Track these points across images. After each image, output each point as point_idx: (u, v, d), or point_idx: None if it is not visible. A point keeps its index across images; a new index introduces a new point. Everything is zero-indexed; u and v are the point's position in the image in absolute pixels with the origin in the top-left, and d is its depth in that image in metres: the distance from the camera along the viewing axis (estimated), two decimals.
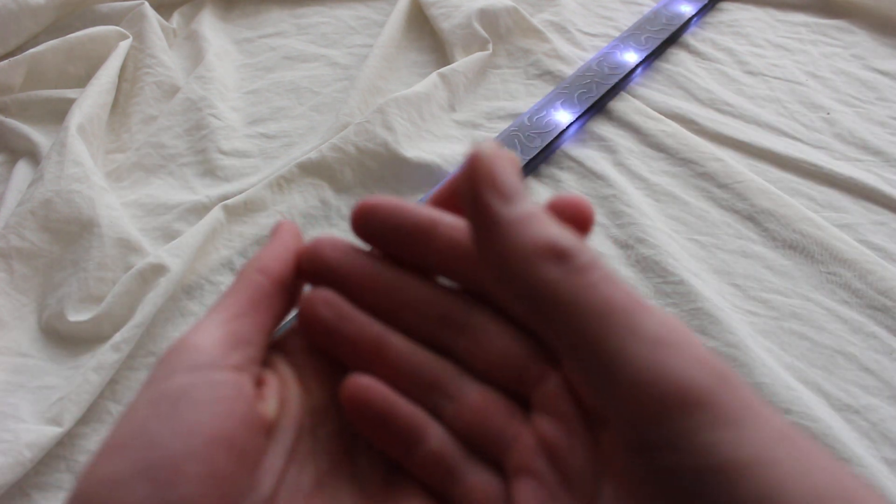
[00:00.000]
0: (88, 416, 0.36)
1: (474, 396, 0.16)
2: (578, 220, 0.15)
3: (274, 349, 0.18)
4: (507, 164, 0.14)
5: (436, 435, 0.16)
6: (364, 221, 0.17)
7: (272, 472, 0.15)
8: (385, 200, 0.17)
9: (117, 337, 0.38)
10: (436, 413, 0.17)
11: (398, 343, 0.17)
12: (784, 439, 0.12)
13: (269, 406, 0.16)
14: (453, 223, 0.17)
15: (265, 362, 0.17)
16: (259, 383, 0.16)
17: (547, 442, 0.15)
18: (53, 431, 0.35)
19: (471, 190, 0.14)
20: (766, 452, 0.12)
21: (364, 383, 0.16)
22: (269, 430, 0.16)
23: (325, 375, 0.17)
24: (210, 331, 0.16)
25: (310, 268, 0.18)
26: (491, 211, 0.13)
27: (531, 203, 0.14)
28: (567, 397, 0.15)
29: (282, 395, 0.17)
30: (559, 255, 0.13)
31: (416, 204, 0.17)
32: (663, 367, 0.12)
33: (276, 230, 0.18)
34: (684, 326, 0.13)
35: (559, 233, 0.13)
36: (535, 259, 0.13)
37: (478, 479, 0.16)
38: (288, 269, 0.18)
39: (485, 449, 0.16)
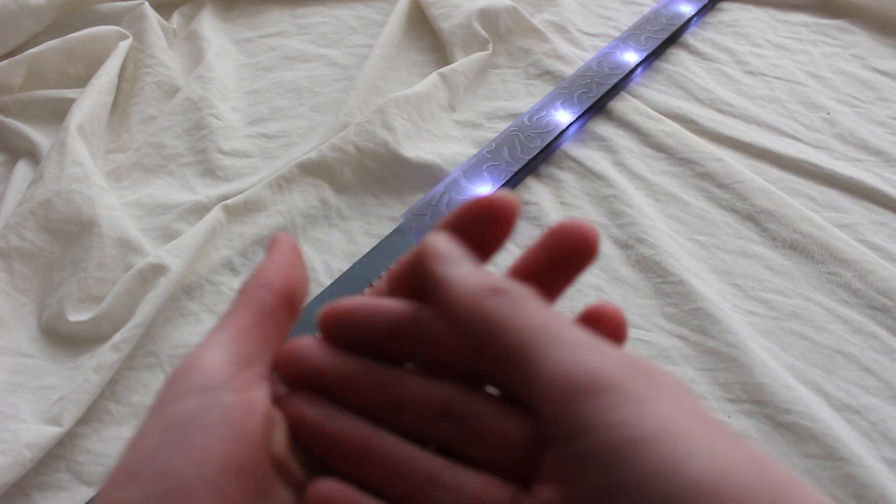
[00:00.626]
0: (88, 416, 0.36)
1: (474, 485, 0.16)
2: (614, 327, 0.17)
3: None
4: (450, 244, 0.16)
5: None
6: (333, 330, 0.17)
7: (282, 501, 0.15)
8: (352, 305, 0.17)
9: (117, 337, 0.38)
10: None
11: (388, 442, 0.16)
12: (693, 416, 0.13)
13: (282, 430, 0.16)
14: (423, 313, 0.17)
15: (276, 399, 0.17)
16: (270, 404, 0.16)
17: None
18: (53, 431, 0.35)
19: (422, 266, 0.16)
20: (671, 426, 0.12)
21: (328, 489, 0.16)
22: (279, 461, 0.16)
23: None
24: (217, 350, 0.16)
25: (291, 372, 0.17)
26: (437, 275, 0.15)
27: (469, 265, 0.16)
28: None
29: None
30: (497, 291, 0.15)
31: (382, 301, 0.17)
32: (576, 362, 0.13)
33: (274, 243, 0.18)
34: (604, 340, 0.14)
35: (495, 277, 0.15)
36: (478, 297, 0.15)
37: None
38: (290, 282, 0.17)
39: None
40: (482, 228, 0.17)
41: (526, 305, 0.14)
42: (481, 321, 0.15)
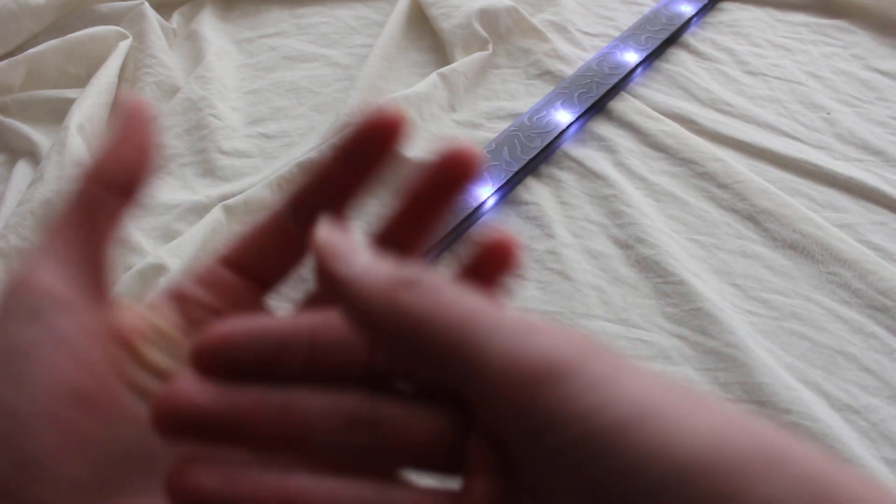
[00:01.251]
0: None
1: (410, 499, 0.14)
2: (501, 255, 0.15)
3: (165, 295, 0.16)
4: (343, 236, 0.14)
5: None
6: (210, 365, 0.14)
7: (137, 424, 0.14)
8: (226, 332, 0.14)
9: None
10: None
11: (303, 482, 0.14)
12: (665, 389, 0.12)
13: (130, 347, 0.15)
14: (308, 320, 0.15)
15: (148, 304, 0.16)
16: (115, 317, 0.15)
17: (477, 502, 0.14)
18: None
19: (318, 268, 0.14)
20: (648, 404, 0.11)
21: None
22: (133, 378, 0.14)
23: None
24: (49, 265, 0.14)
25: (174, 424, 0.14)
26: (338, 274, 0.14)
27: (369, 256, 0.14)
28: (488, 450, 0.14)
29: (149, 337, 0.15)
30: (408, 283, 0.13)
31: (257, 319, 0.15)
32: (525, 348, 0.12)
33: (123, 117, 0.16)
34: (542, 318, 0.13)
35: (400, 267, 0.14)
36: (388, 294, 0.13)
37: None
38: (122, 167, 0.15)
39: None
40: (370, 147, 0.15)
41: (446, 294, 0.13)
42: (399, 319, 0.13)
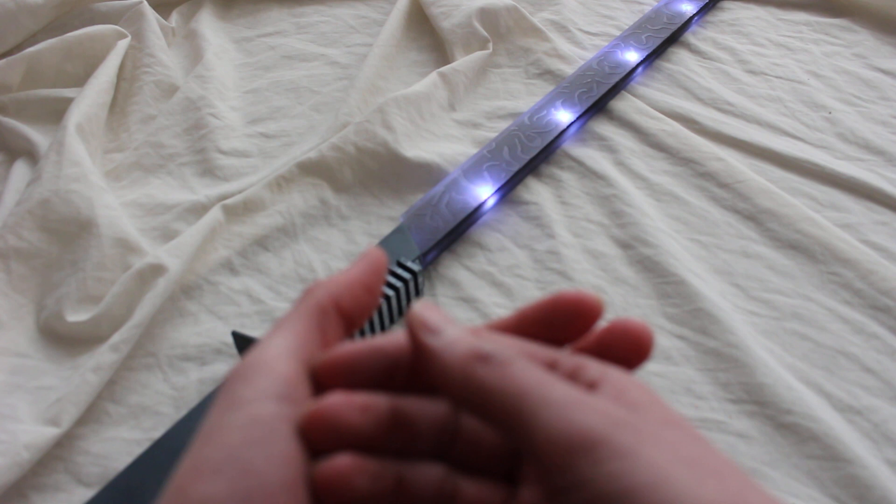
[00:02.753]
0: (87, 417, 0.36)
1: (471, 490, 0.18)
2: (637, 345, 0.18)
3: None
4: (434, 311, 0.17)
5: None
6: (336, 379, 0.17)
7: None
8: (349, 352, 0.17)
9: (116, 337, 0.38)
10: None
11: (410, 473, 0.17)
12: (682, 461, 0.14)
13: None
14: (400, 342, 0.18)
15: None
16: None
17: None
18: (52, 432, 0.34)
19: (410, 338, 0.17)
20: (660, 473, 0.13)
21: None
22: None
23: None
24: (286, 356, 0.16)
25: (322, 434, 0.16)
26: (426, 345, 0.17)
27: (455, 330, 0.17)
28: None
29: None
30: (483, 358, 0.16)
31: (374, 341, 0.18)
32: (568, 422, 0.14)
33: (362, 256, 0.19)
34: (586, 392, 0.15)
35: (480, 342, 0.16)
36: (465, 365, 0.16)
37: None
38: (356, 305, 0.18)
39: None
40: (564, 323, 0.18)
41: (512, 370, 0.16)
42: (472, 390, 0.16)
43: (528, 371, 0.16)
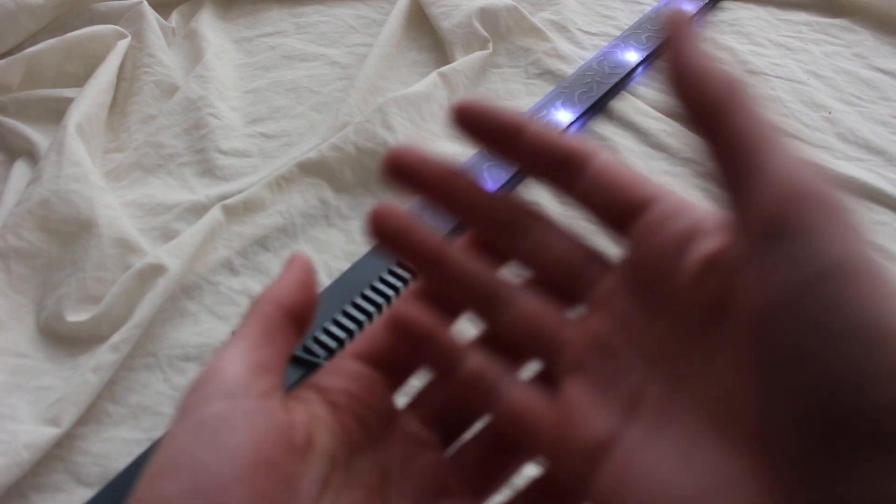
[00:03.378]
0: (87, 417, 0.36)
1: (529, 303, 0.18)
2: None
3: (308, 388, 0.19)
4: (689, 25, 0.17)
5: (474, 356, 0.18)
6: (462, 118, 0.19)
7: (308, 497, 0.16)
8: (481, 102, 0.19)
9: (116, 337, 0.38)
10: (492, 320, 0.19)
11: (457, 256, 0.19)
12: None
13: (299, 434, 0.17)
14: (538, 126, 0.19)
15: (297, 396, 0.18)
16: (286, 410, 0.17)
17: (599, 338, 0.17)
18: (52, 432, 0.34)
19: (670, 35, 0.17)
20: (870, 264, 0.12)
21: (406, 314, 0.18)
22: (301, 456, 0.17)
23: (361, 414, 0.19)
24: (236, 360, 0.17)
25: (393, 168, 0.19)
26: (680, 51, 0.16)
27: (707, 51, 0.17)
28: (621, 294, 0.17)
29: (311, 426, 0.17)
30: (725, 84, 0.15)
31: (507, 107, 0.19)
32: (796, 175, 0.13)
33: (288, 263, 0.20)
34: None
35: (727, 70, 0.16)
36: (706, 82, 0.15)
37: (519, 390, 0.18)
38: (297, 301, 0.19)
39: (539, 354, 0.18)
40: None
41: (750, 107, 0.15)
42: (707, 110, 0.15)
43: (766, 119, 0.15)
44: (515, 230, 0.19)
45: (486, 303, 0.19)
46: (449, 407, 0.20)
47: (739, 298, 0.14)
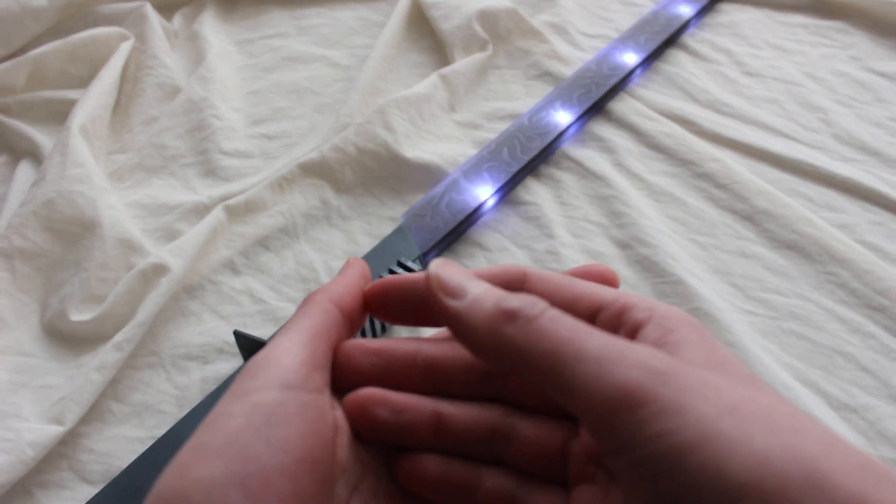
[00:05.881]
0: (90, 416, 0.37)
1: (528, 431, 0.18)
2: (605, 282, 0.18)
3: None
4: (452, 269, 0.17)
5: (491, 476, 0.18)
6: (378, 304, 0.19)
7: (341, 501, 0.16)
8: (391, 280, 0.19)
9: (119, 336, 0.38)
10: (498, 457, 0.18)
11: (451, 411, 0.18)
12: (728, 410, 0.13)
13: (343, 434, 0.17)
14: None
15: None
16: (334, 409, 0.17)
17: (593, 450, 0.17)
18: (56, 430, 0.35)
19: (433, 302, 0.17)
20: (707, 430, 0.13)
21: (415, 464, 0.18)
22: (342, 458, 0.17)
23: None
24: (295, 350, 0.17)
25: (343, 375, 0.18)
26: (449, 308, 0.17)
27: (476, 288, 0.17)
28: (589, 463, 0.17)
29: (341, 434, 0.17)
30: (510, 315, 0.15)
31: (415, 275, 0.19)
32: (606, 379, 0.14)
33: (347, 265, 0.20)
34: (623, 340, 0.15)
35: (505, 297, 0.16)
36: (492, 326, 0.16)
37: (541, 497, 0.17)
38: (356, 303, 0.19)
39: (549, 473, 0.18)
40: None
41: (541, 324, 0.15)
42: (503, 350, 0.15)
43: (560, 323, 0.15)
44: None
45: (488, 443, 0.18)
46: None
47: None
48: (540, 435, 0.18)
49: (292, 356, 0.16)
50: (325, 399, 0.17)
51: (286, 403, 0.15)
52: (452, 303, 0.16)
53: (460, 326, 0.16)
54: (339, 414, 0.17)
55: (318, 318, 0.18)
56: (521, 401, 0.18)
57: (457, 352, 0.18)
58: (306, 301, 0.18)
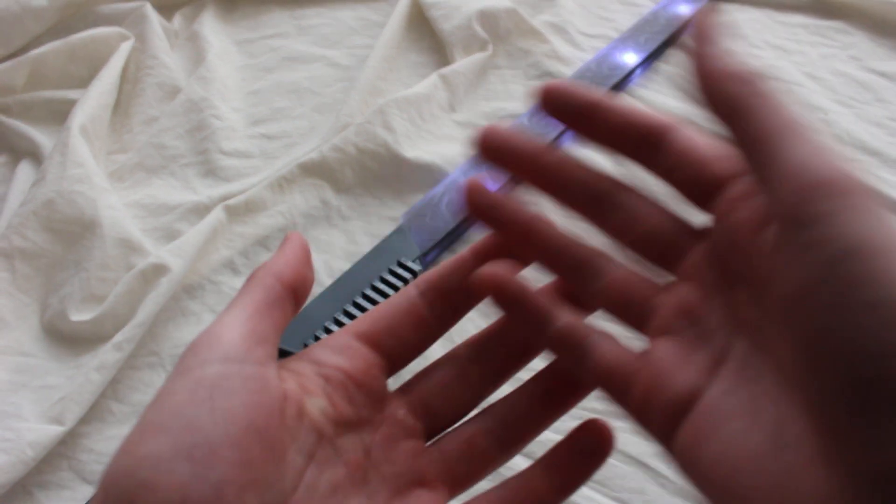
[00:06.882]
0: (90, 416, 0.37)
1: (620, 273, 0.19)
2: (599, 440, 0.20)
3: (303, 359, 0.19)
4: (713, 22, 0.18)
5: (564, 315, 0.19)
6: (551, 100, 0.20)
7: (293, 469, 0.16)
8: (568, 84, 0.20)
9: (119, 336, 0.38)
10: (584, 289, 0.20)
11: (547, 227, 0.20)
12: None
13: (291, 404, 0.17)
14: (619, 104, 0.20)
15: (290, 368, 0.19)
16: (280, 380, 0.17)
17: (687, 305, 0.18)
18: (56, 430, 0.35)
19: (695, 36, 0.18)
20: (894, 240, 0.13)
21: (495, 273, 0.19)
22: (292, 427, 0.17)
23: (352, 392, 0.19)
24: (236, 326, 0.17)
25: (484, 147, 0.20)
26: (698, 51, 0.17)
27: (727, 49, 0.18)
28: (709, 266, 0.18)
29: (302, 398, 0.18)
30: (744, 80, 0.16)
31: (590, 89, 0.20)
32: (817, 164, 0.14)
33: (286, 240, 0.20)
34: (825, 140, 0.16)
35: (745, 66, 0.17)
36: (727, 79, 0.16)
37: (608, 346, 0.19)
38: (297, 276, 0.19)
39: (629, 320, 0.19)
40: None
41: (769, 100, 0.16)
42: (726, 99, 0.16)
43: (783, 108, 0.16)
44: (607, 203, 0.20)
45: (577, 271, 0.20)
46: (438, 397, 0.20)
47: (775, 281, 0.15)
48: (629, 280, 0.19)
49: (233, 332, 0.17)
50: (270, 371, 0.17)
51: (228, 376, 0.16)
52: (701, 46, 0.17)
53: (705, 65, 0.17)
54: (289, 386, 0.17)
55: (259, 293, 0.18)
56: (622, 235, 0.19)
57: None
58: (248, 279, 0.19)
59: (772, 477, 0.14)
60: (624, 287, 0.19)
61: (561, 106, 0.20)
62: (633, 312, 0.19)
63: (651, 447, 0.34)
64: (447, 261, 0.20)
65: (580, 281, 0.20)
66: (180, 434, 0.15)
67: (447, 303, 0.20)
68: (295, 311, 0.19)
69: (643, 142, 0.19)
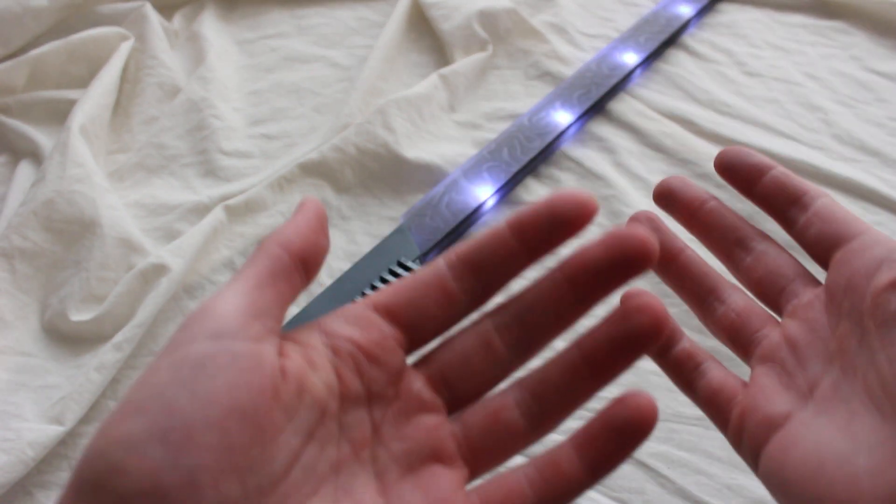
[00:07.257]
0: (90, 416, 0.37)
1: (740, 302, 0.23)
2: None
3: (313, 329, 0.18)
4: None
5: (686, 339, 0.23)
6: (725, 165, 0.24)
7: (287, 450, 0.15)
8: (741, 153, 0.24)
9: (119, 336, 0.38)
10: (708, 312, 0.23)
11: (691, 255, 0.24)
12: None
13: (289, 382, 0.16)
14: (781, 171, 0.24)
15: (298, 340, 0.17)
16: (280, 355, 0.16)
17: (791, 338, 0.21)
18: (56, 430, 0.35)
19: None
20: None
21: (653, 304, 0.20)
22: (287, 406, 0.16)
23: (363, 366, 0.17)
24: (232, 299, 0.16)
25: (660, 194, 0.25)
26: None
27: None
28: (816, 307, 0.21)
29: (305, 373, 0.16)
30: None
31: (758, 156, 0.24)
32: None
33: (300, 206, 0.19)
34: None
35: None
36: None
37: (718, 371, 0.22)
38: (308, 245, 0.18)
39: (740, 345, 0.22)
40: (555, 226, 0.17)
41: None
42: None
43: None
44: (742, 247, 0.23)
45: (707, 296, 0.23)
46: (460, 369, 0.18)
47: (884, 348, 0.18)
48: (747, 308, 0.22)
49: (228, 305, 0.16)
50: (266, 347, 0.16)
51: (216, 354, 0.15)
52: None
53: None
54: (291, 360, 0.16)
55: (263, 264, 0.17)
56: (749, 273, 0.23)
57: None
58: (257, 248, 0.17)
59: (854, 473, 0.16)
60: (740, 315, 0.22)
61: (735, 169, 0.24)
62: (742, 338, 0.22)
63: (651, 447, 0.34)
64: (480, 232, 0.18)
65: (706, 304, 0.23)
66: (157, 416, 0.14)
67: (479, 278, 0.18)
68: (306, 283, 0.18)
69: (791, 204, 0.23)
